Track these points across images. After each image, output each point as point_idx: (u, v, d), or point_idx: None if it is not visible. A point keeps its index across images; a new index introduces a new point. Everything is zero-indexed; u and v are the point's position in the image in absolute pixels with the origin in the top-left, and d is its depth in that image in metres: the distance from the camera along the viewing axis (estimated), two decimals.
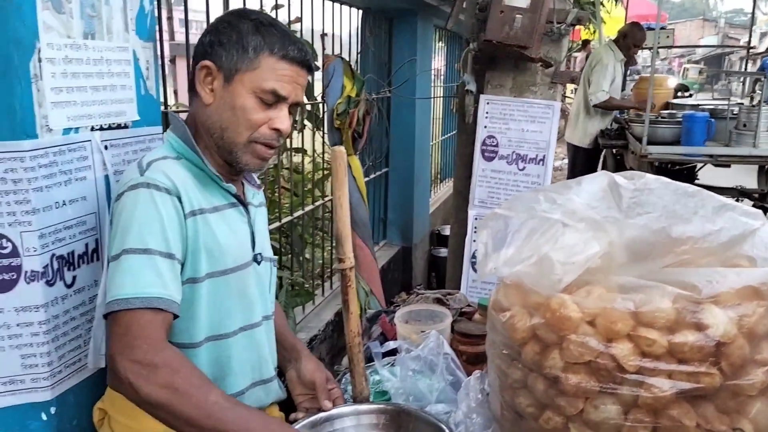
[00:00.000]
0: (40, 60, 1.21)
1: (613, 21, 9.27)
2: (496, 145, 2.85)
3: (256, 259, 1.39)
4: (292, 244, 3.52)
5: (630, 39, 5.49)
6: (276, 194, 3.74)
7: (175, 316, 1.17)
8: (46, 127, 1.24)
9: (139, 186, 1.17)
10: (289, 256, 3.45)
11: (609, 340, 1.05)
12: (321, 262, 4.18)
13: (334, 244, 4.09)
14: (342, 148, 1.32)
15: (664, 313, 1.01)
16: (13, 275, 1.22)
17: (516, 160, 2.83)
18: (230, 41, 1.26)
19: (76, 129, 1.32)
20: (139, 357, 1.07)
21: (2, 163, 1.19)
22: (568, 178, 6.32)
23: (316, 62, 1.38)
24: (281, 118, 1.28)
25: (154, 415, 1.09)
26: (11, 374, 1.25)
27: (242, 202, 1.38)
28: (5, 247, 1.21)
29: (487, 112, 2.85)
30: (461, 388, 1.37)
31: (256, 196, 1.47)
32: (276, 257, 1.53)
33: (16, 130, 1.19)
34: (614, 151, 5.81)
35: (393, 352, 1.77)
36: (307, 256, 3.93)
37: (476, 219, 2.90)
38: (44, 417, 1.29)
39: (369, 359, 1.73)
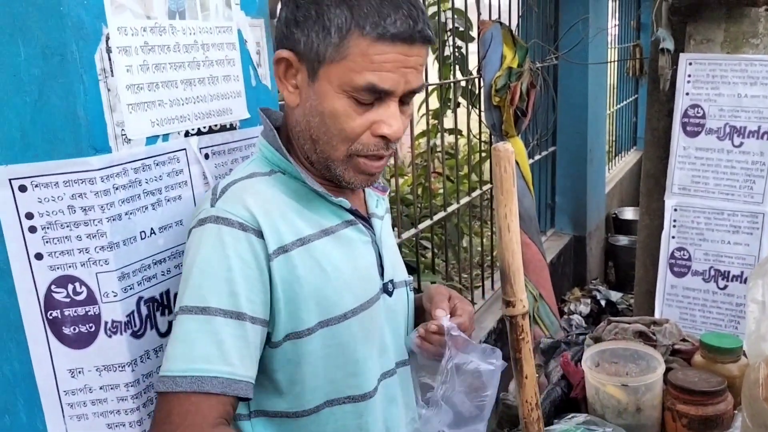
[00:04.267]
0: (109, 50, 0.93)
1: None
2: (703, 116, 2.25)
3: (387, 289, 1.08)
4: (446, 235, 3.16)
5: None
6: (426, 182, 3.39)
7: (243, 399, 0.91)
8: (122, 137, 0.96)
9: (207, 221, 0.91)
10: (442, 254, 3.09)
11: None
12: (480, 249, 3.78)
13: (494, 234, 3.68)
14: (508, 146, 0.91)
15: None
16: (90, 327, 0.97)
17: (730, 134, 2.21)
18: (308, 19, 0.92)
19: (165, 136, 1.04)
20: None
21: (67, 187, 0.93)
22: None
23: (434, 31, 0.95)
24: (388, 121, 0.94)
25: None
26: None
27: (362, 216, 1.06)
28: (79, 293, 0.96)
29: (689, 75, 2.25)
30: None
31: (380, 203, 1.15)
32: (411, 278, 1.20)
33: (81, 143, 0.92)
34: None
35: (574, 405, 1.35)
36: (464, 244, 3.56)
37: (675, 210, 2.33)
38: None
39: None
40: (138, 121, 0.99)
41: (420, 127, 3.91)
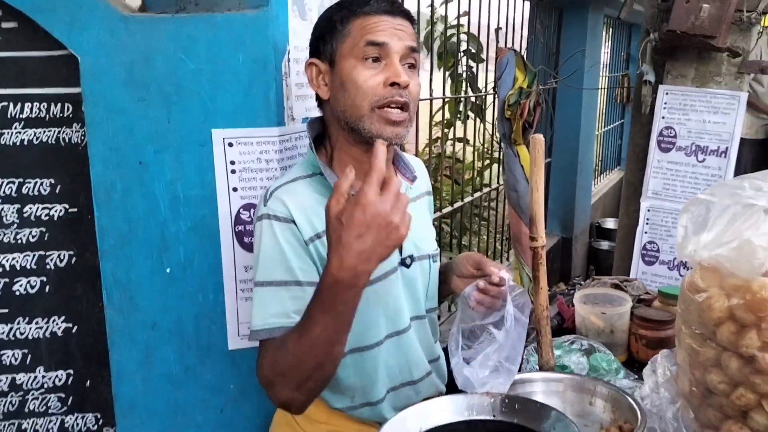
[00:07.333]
0: (288, 60, 1.46)
1: None
2: (674, 136, 2.81)
3: (405, 263, 1.31)
4: (452, 230, 3.67)
5: None
6: (436, 183, 3.91)
7: None
8: (290, 117, 1.48)
9: (263, 218, 1.19)
10: (448, 241, 3.60)
11: None
12: (476, 250, 4.31)
13: (501, 229, 4.21)
14: (541, 136, 1.44)
15: None
16: None
17: (695, 151, 2.77)
18: (322, 30, 1.24)
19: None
20: (260, 375, 1.15)
21: (259, 145, 1.44)
22: (734, 172, 5.87)
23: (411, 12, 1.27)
24: (394, 71, 1.18)
25: (293, 397, 1.12)
26: None
27: None
28: None
29: (665, 103, 2.81)
30: (647, 365, 1.45)
31: (409, 190, 1.36)
32: (437, 250, 1.44)
33: (270, 118, 1.44)
34: None
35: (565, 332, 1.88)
36: (464, 243, 4.08)
37: (648, 211, 2.88)
38: None
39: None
40: (299, 106, 1.51)
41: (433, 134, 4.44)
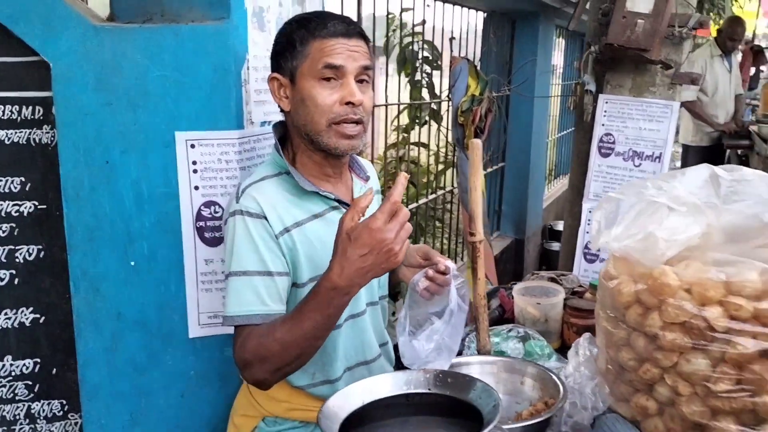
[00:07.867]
0: (248, 68, 1.58)
1: (745, 16, 8.87)
2: (613, 143, 3.01)
3: None
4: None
5: (725, 33, 5.33)
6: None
7: None
8: (249, 120, 1.60)
9: (236, 214, 1.30)
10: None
11: (702, 305, 1.24)
12: (439, 247, 4.45)
13: (456, 231, 4.37)
14: (479, 141, 1.59)
15: (752, 283, 1.19)
16: (222, 234, 1.59)
17: (632, 156, 2.97)
18: (282, 46, 1.33)
19: (270, 122, 1.68)
20: (240, 357, 1.25)
21: (219, 147, 1.56)
22: None
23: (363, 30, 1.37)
24: (349, 91, 1.29)
25: (268, 378, 1.26)
26: (215, 310, 1.63)
27: (345, 202, 1.41)
28: (217, 212, 1.59)
29: (605, 111, 3.01)
30: (571, 347, 1.61)
31: (363, 189, 1.48)
32: None
33: (230, 122, 1.56)
34: (739, 152, 5.67)
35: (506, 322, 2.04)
36: (421, 243, 4.23)
37: (590, 212, 3.07)
38: None
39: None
40: (258, 111, 1.63)
41: (391, 139, 4.57)
